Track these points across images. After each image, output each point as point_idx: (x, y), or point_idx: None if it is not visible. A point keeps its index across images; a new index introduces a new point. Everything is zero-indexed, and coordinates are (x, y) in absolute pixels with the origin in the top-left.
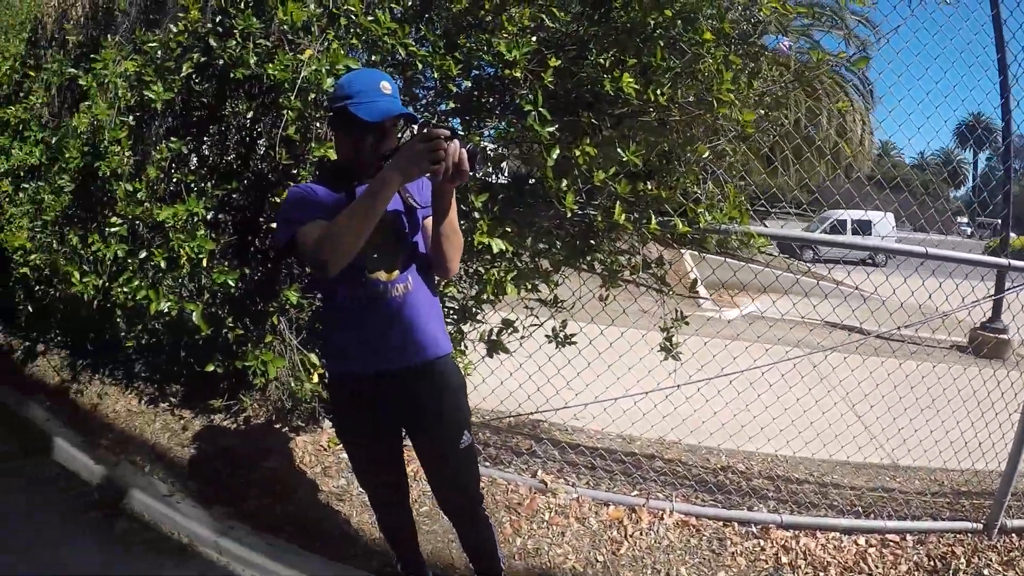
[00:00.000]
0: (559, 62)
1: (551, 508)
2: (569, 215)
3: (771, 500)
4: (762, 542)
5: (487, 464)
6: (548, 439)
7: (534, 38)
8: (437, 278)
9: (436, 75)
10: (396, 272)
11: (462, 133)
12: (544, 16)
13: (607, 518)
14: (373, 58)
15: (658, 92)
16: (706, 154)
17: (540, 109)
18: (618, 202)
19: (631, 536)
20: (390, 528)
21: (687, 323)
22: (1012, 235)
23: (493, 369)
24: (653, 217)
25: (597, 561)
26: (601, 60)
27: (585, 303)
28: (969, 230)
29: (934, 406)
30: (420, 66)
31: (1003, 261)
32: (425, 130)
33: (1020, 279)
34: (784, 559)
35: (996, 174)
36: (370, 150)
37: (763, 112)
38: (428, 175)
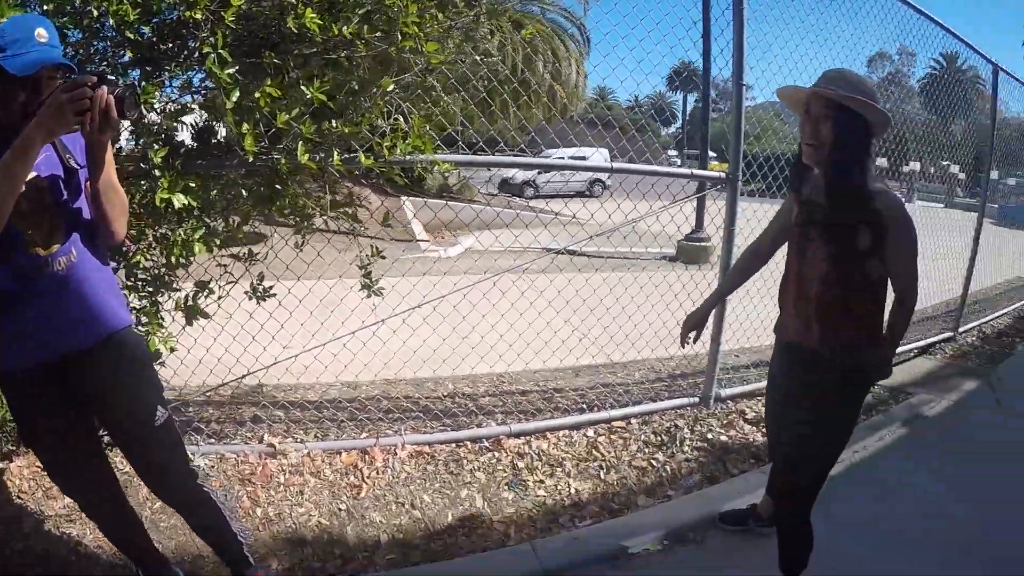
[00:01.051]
0: (242, 2)
1: (285, 470)
2: (251, 159)
3: (499, 414)
4: (497, 454)
5: (212, 441)
6: (270, 403)
7: None
8: (110, 244)
9: (113, 22)
10: (56, 244)
11: (112, 77)
12: None
13: (341, 466)
14: (46, 7)
15: (343, 28)
16: (391, 87)
17: (220, 51)
18: (301, 142)
19: (369, 478)
20: (114, 534)
21: (383, 257)
22: (713, 161)
23: (196, 338)
24: (336, 153)
25: (341, 510)
26: None
27: (279, 252)
28: (679, 161)
29: (648, 303)
30: (96, 13)
31: (699, 172)
32: (69, 79)
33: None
34: (521, 464)
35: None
36: (23, 108)
37: (453, 45)
38: (78, 128)
